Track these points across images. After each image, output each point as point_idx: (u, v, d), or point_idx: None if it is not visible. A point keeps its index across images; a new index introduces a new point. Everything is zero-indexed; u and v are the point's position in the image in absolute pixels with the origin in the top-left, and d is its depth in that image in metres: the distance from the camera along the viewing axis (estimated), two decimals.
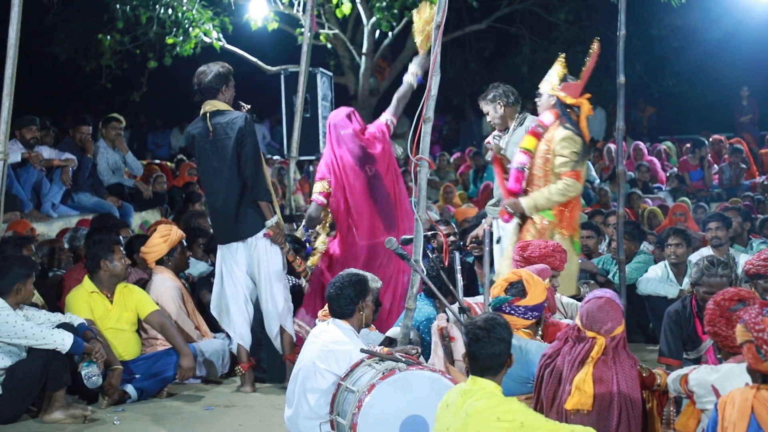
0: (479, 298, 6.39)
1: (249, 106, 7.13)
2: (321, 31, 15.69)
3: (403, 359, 5.28)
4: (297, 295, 7.57)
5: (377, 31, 16.22)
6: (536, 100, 7.33)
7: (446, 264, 6.47)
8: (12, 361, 6.35)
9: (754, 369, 4.16)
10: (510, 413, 4.29)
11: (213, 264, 8.05)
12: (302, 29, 11.92)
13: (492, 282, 6.14)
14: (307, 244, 7.76)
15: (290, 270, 7.51)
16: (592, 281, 8.51)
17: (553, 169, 7.08)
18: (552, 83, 7.17)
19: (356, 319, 5.77)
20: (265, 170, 7.14)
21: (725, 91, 18.41)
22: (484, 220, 8.03)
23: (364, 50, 16.48)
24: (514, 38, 19.99)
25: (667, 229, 8.85)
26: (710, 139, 16.07)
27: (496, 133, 7.60)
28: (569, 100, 7.09)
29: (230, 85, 7.12)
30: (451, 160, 16.90)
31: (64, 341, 6.33)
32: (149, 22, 14.48)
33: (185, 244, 8.03)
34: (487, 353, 4.44)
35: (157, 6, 14.35)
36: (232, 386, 7.38)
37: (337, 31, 16.30)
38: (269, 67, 15.29)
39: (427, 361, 5.88)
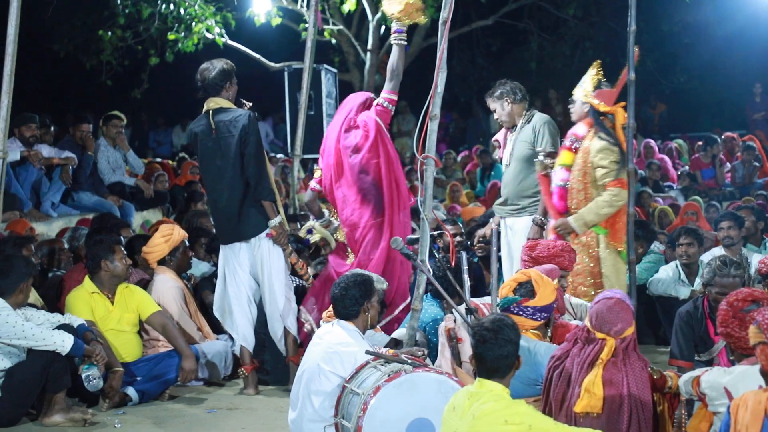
0: (486, 299, 6.33)
1: (251, 104, 7.07)
2: (325, 26, 15.65)
3: (409, 361, 5.26)
4: (300, 296, 7.50)
5: (382, 27, 16.16)
6: (569, 106, 7.29)
7: (453, 264, 6.42)
8: (11, 362, 6.32)
9: None
10: (518, 416, 4.27)
11: (215, 264, 7.99)
12: (306, 25, 11.85)
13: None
14: (309, 238, 7.61)
15: (293, 270, 7.44)
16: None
17: (594, 182, 7.01)
18: (586, 90, 7.07)
19: (361, 320, 5.74)
20: (268, 169, 7.11)
21: (737, 88, 18.35)
22: (491, 220, 7.98)
23: (369, 46, 16.43)
24: (522, 34, 19.97)
25: (678, 229, 8.78)
26: (722, 137, 15.99)
27: (540, 150, 7.41)
28: (603, 108, 6.99)
29: (233, 82, 7.10)
30: (458, 158, 16.84)
31: (64, 342, 6.27)
32: (151, 18, 14.44)
33: (187, 244, 7.96)
34: (494, 355, 4.42)
35: (159, 1, 14.31)
36: (235, 389, 7.34)
37: (341, 26, 16.26)
38: (273, 64, 15.24)
39: (433, 363, 5.84)
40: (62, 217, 9.95)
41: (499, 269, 7.69)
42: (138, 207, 10.93)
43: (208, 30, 14.41)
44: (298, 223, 9.58)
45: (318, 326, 6.46)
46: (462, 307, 5.82)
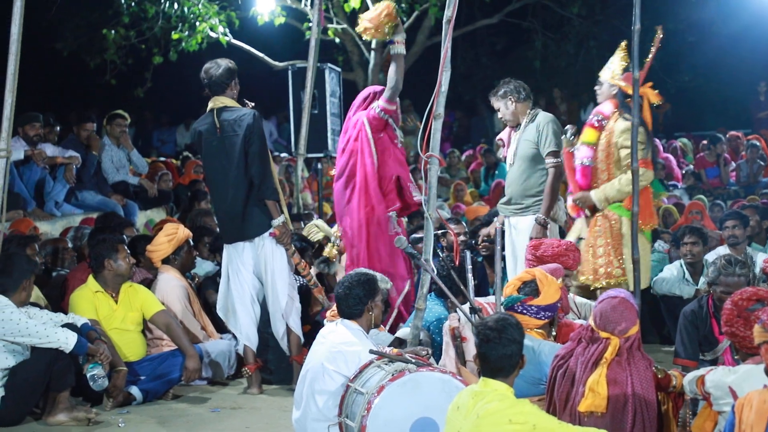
0: (491, 298, 6.33)
1: (253, 104, 7.06)
2: (329, 25, 15.63)
3: (413, 360, 5.24)
4: (304, 295, 7.50)
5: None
6: (596, 88, 7.31)
7: (457, 263, 6.41)
8: (15, 361, 6.32)
9: None
10: (522, 415, 4.26)
11: (219, 263, 7.99)
12: (310, 24, 11.85)
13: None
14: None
15: (296, 270, 7.43)
16: None
17: (618, 162, 7.04)
18: (614, 72, 7.08)
19: (365, 320, 5.71)
20: (272, 168, 7.09)
21: (742, 87, 18.30)
22: (495, 219, 7.96)
23: (373, 45, 16.39)
24: (526, 33, 19.92)
25: (682, 228, 8.76)
26: (727, 136, 15.96)
27: (571, 129, 7.46)
28: (631, 90, 7.00)
29: (237, 82, 7.12)
30: (462, 157, 16.82)
31: (67, 340, 6.27)
32: (155, 17, 14.43)
33: (191, 243, 7.95)
34: (498, 354, 4.41)
35: (163, 0, 14.30)
36: (239, 388, 7.33)
37: (345, 25, 16.23)
38: (276, 63, 15.23)
39: (437, 362, 5.83)
40: (66, 216, 9.95)
41: (503, 268, 7.70)
42: (142, 206, 10.93)
43: (211, 29, 14.40)
44: (301, 223, 9.58)
45: None
46: (466, 307, 5.82)
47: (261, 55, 15.35)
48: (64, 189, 9.97)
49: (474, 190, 14.91)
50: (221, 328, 7.67)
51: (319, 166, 11.75)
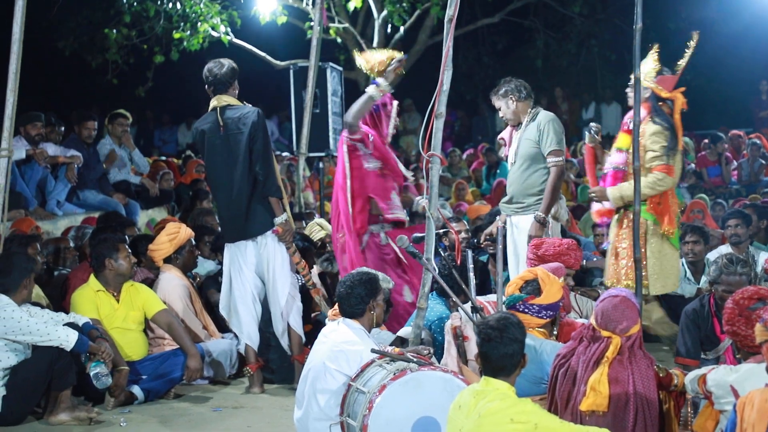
0: (492, 297, 6.32)
1: (250, 106, 7.07)
2: (331, 25, 15.62)
3: (415, 359, 5.23)
4: (305, 295, 7.49)
5: (389, 25, 16.15)
6: (627, 90, 7.24)
7: (458, 262, 6.40)
8: (17, 360, 6.32)
9: None
10: (524, 414, 4.26)
11: (220, 263, 7.99)
12: (312, 23, 11.86)
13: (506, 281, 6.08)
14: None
15: (296, 269, 7.43)
16: None
17: (644, 165, 7.00)
18: (648, 74, 7.08)
19: (367, 319, 5.70)
20: (275, 167, 7.07)
21: (743, 86, 18.29)
22: (498, 218, 7.95)
23: (374, 44, 16.40)
24: (528, 32, 19.94)
25: (684, 227, 8.74)
26: (728, 135, 15.95)
27: (594, 126, 7.50)
28: (664, 94, 7.01)
29: (237, 83, 7.13)
30: (463, 156, 16.82)
31: (68, 337, 6.27)
32: (156, 16, 14.43)
33: (193, 242, 7.95)
34: (499, 353, 4.40)
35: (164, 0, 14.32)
36: (241, 387, 7.33)
37: (347, 24, 16.24)
38: (278, 62, 15.23)
39: (439, 362, 5.83)
40: (68, 215, 9.95)
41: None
42: (143, 205, 10.94)
43: (213, 28, 14.41)
44: (303, 222, 9.58)
45: None
46: (468, 306, 5.81)
47: (263, 54, 15.36)
48: (66, 188, 9.98)
49: (475, 189, 14.91)
50: (223, 327, 7.67)
51: (321, 165, 11.75)
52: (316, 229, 8.89)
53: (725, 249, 8.40)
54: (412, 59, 17.44)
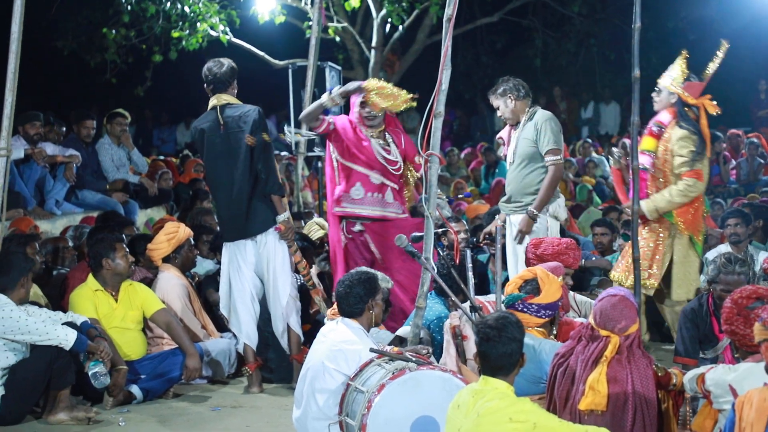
0: (491, 297, 6.32)
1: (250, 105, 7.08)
2: (329, 24, 15.61)
3: (414, 359, 5.23)
4: (304, 294, 7.49)
5: (387, 25, 16.15)
6: (653, 95, 7.30)
7: (457, 262, 6.39)
8: (16, 359, 6.31)
9: None
10: (522, 414, 4.26)
11: (219, 262, 7.98)
12: (310, 22, 11.85)
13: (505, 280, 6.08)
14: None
15: (295, 269, 7.42)
16: (607, 279, 8.43)
17: (672, 170, 7.04)
18: (676, 80, 7.09)
19: (366, 318, 5.70)
20: (276, 165, 7.11)
21: (742, 85, 18.26)
22: (497, 217, 7.96)
23: (373, 44, 16.40)
24: (527, 31, 19.93)
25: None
26: (727, 134, 15.93)
27: (617, 151, 7.56)
28: (691, 100, 7.02)
29: (236, 83, 7.13)
30: (461, 155, 16.81)
31: (67, 336, 6.27)
32: (155, 16, 14.42)
33: (192, 242, 7.94)
34: (498, 353, 4.40)
35: None
36: (239, 387, 7.32)
37: (345, 24, 16.23)
38: (277, 61, 15.22)
39: (438, 361, 5.82)
40: (66, 215, 9.94)
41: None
42: (142, 205, 10.92)
43: (212, 28, 14.40)
44: (302, 221, 9.57)
45: None
46: (466, 305, 5.81)
47: (261, 53, 15.35)
48: (65, 188, 9.96)
49: (474, 189, 14.90)
50: (221, 326, 7.67)
51: (320, 164, 11.72)
52: (315, 228, 8.89)
53: (724, 248, 8.40)
54: (411, 59, 17.44)
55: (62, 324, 6.41)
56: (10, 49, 6.91)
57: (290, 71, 11.09)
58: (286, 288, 7.11)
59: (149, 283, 7.58)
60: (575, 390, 4.95)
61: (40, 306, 6.80)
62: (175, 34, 14.55)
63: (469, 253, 6.20)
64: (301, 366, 5.85)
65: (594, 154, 16.05)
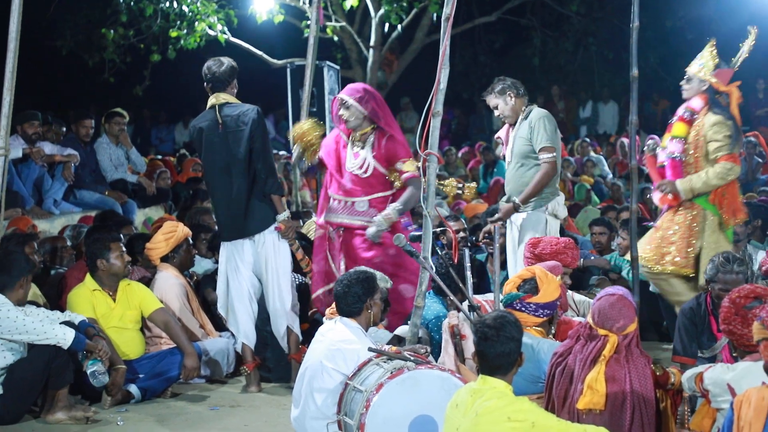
0: (489, 296, 6.32)
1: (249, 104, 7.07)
2: (328, 23, 15.62)
3: (412, 358, 5.23)
4: (303, 294, 7.49)
5: (386, 24, 16.15)
6: (682, 84, 7.27)
7: (456, 261, 6.39)
8: (14, 358, 6.30)
9: None
10: (521, 413, 4.25)
11: (218, 261, 7.97)
12: (308, 22, 11.83)
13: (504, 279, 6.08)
14: (406, 227, 7.23)
15: (296, 267, 7.42)
16: (605, 278, 8.43)
17: (706, 156, 7.07)
18: (707, 68, 7.10)
19: (364, 318, 5.70)
20: (275, 164, 7.11)
21: (741, 84, 18.27)
22: (497, 215, 7.95)
23: (371, 43, 16.41)
24: (525, 30, 19.95)
25: None
26: None
27: (651, 142, 7.54)
28: (722, 87, 7.04)
29: (236, 82, 7.11)
30: (460, 154, 16.81)
31: (65, 336, 6.25)
32: (153, 15, 14.42)
33: (190, 241, 7.94)
34: (496, 352, 4.39)
35: None
36: (238, 386, 7.31)
37: (344, 23, 16.24)
38: (275, 61, 15.22)
39: (436, 360, 5.82)
40: (65, 214, 9.93)
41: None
42: (140, 204, 10.92)
43: (210, 27, 14.39)
44: (300, 221, 9.57)
45: None
46: (465, 304, 5.80)
47: (259, 53, 15.35)
48: (63, 187, 9.96)
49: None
50: (220, 326, 7.66)
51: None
52: (314, 227, 8.88)
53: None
54: (409, 58, 17.45)
55: (60, 323, 6.40)
56: (8, 48, 6.91)
57: (288, 70, 11.11)
58: (288, 287, 7.10)
59: (147, 282, 7.58)
60: (573, 389, 4.95)
61: (39, 305, 6.80)
62: (173, 33, 14.54)
63: (467, 252, 6.20)
64: (300, 365, 5.85)
65: (592, 154, 16.05)
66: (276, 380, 7.34)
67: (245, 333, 7.14)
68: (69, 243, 8.54)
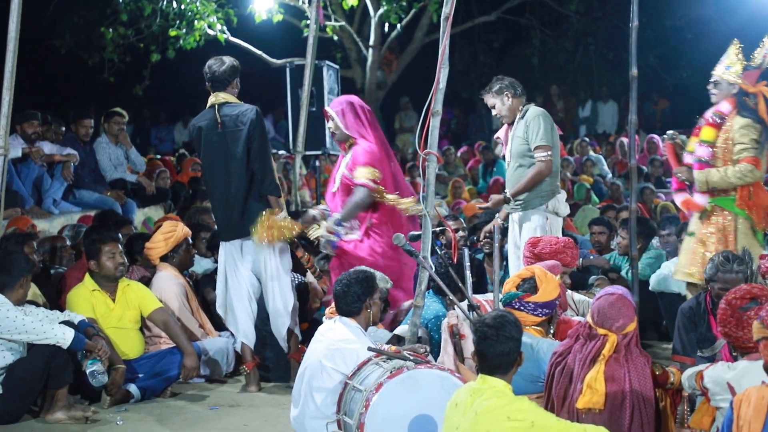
0: (489, 295, 6.32)
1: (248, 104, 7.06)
2: (327, 23, 15.63)
3: (412, 358, 5.22)
4: (302, 293, 7.49)
5: (385, 23, 16.16)
6: (709, 87, 7.20)
7: (455, 260, 6.39)
8: (13, 358, 6.29)
9: None
10: (520, 412, 4.25)
11: (217, 261, 7.97)
12: (308, 21, 11.82)
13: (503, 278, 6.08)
14: (338, 237, 7.29)
15: (295, 267, 7.42)
16: (604, 277, 8.43)
17: (732, 157, 6.98)
18: (734, 70, 7.06)
19: (363, 317, 5.70)
20: (273, 165, 7.09)
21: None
22: (496, 215, 7.96)
23: (371, 42, 16.43)
24: (524, 30, 19.96)
25: (680, 224, 8.74)
26: None
27: (671, 132, 7.48)
28: (750, 89, 7.01)
29: (238, 81, 7.10)
30: (458, 154, 16.82)
31: (65, 335, 6.25)
32: (152, 15, 14.43)
33: (190, 241, 7.93)
34: (495, 351, 4.39)
35: None
36: (237, 385, 7.31)
37: (343, 23, 16.25)
38: (274, 60, 15.23)
39: (436, 360, 5.82)
40: (64, 214, 9.94)
41: (506, 264, 7.70)
42: (139, 204, 10.92)
43: (209, 26, 14.40)
44: (299, 220, 9.55)
45: None
46: (464, 304, 5.80)
47: (259, 52, 15.35)
48: (62, 187, 9.97)
49: (472, 188, 14.90)
50: (219, 325, 7.66)
51: (317, 163, 11.74)
52: (314, 227, 8.87)
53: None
54: (408, 57, 17.46)
55: (59, 323, 6.40)
56: (8, 48, 6.91)
57: (288, 70, 11.08)
58: (284, 287, 7.10)
59: (147, 282, 7.57)
60: (573, 389, 4.96)
61: (38, 305, 6.79)
62: (173, 33, 14.54)
63: (466, 251, 6.20)
64: (299, 365, 5.85)
65: (592, 153, 16.06)
66: (275, 380, 7.34)
67: (245, 332, 7.14)
68: (68, 243, 8.54)
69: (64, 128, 10.67)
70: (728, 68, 7.09)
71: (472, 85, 20.99)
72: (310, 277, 7.89)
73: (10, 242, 7.45)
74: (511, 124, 7.54)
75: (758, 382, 4.25)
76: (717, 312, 5.08)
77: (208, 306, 7.92)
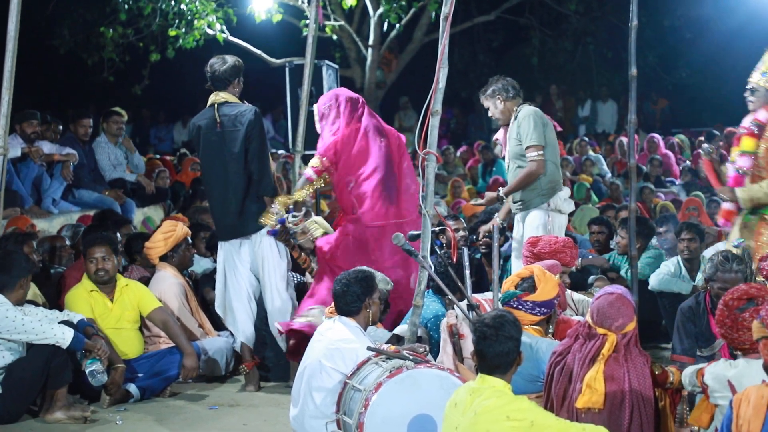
0: (488, 294, 6.32)
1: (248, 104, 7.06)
2: (327, 22, 15.62)
3: (411, 357, 5.22)
4: (301, 293, 7.48)
5: (385, 23, 16.15)
6: (746, 95, 7.13)
7: (455, 260, 6.39)
8: (12, 358, 6.30)
9: None
10: (520, 412, 4.25)
11: (216, 261, 7.97)
12: (307, 21, 11.81)
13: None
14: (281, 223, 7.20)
15: (294, 266, 7.42)
16: (603, 277, 8.43)
17: (765, 167, 6.84)
18: None
19: (363, 317, 5.71)
20: (270, 166, 7.08)
21: (740, 83, 18.22)
22: (496, 215, 7.96)
23: (370, 42, 16.41)
24: (524, 29, 19.97)
25: (680, 224, 8.75)
26: (724, 132, 15.92)
27: (707, 146, 7.36)
28: None
29: (240, 80, 7.10)
30: (458, 153, 16.82)
31: (64, 335, 6.25)
32: (152, 14, 14.42)
33: (190, 241, 7.93)
34: (495, 351, 4.39)
35: None
36: (236, 385, 7.31)
37: (343, 22, 16.24)
38: (274, 60, 15.22)
39: (435, 359, 5.82)
40: (63, 213, 9.94)
41: (507, 264, 7.70)
42: (139, 203, 10.92)
43: (209, 26, 14.39)
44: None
45: None
46: (464, 303, 5.80)
47: (258, 52, 15.34)
48: (62, 186, 9.97)
49: (471, 187, 14.90)
50: (218, 325, 7.66)
51: None
52: (314, 227, 8.87)
53: (722, 246, 8.38)
54: (408, 57, 17.45)
55: (59, 323, 6.40)
56: (7, 47, 6.89)
57: (287, 70, 11.07)
58: (282, 287, 7.10)
59: (146, 281, 7.57)
60: (572, 388, 4.96)
61: (38, 305, 6.80)
62: (172, 32, 14.53)
63: (466, 251, 6.20)
64: (298, 364, 5.85)
65: (591, 153, 16.05)
66: (275, 379, 7.34)
67: (244, 332, 7.14)
68: (67, 242, 8.54)
69: (61, 127, 10.65)
70: (764, 75, 7.00)
71: (472, 84, 20.99)
72: (309, 277, 7.90)
73: (10, 242, 7.45)
74: (507, 125, 7.55)
75: (758, 381, 4.26)
76: (716, 312, 5.09)
77: (207, 306, 7.92)
